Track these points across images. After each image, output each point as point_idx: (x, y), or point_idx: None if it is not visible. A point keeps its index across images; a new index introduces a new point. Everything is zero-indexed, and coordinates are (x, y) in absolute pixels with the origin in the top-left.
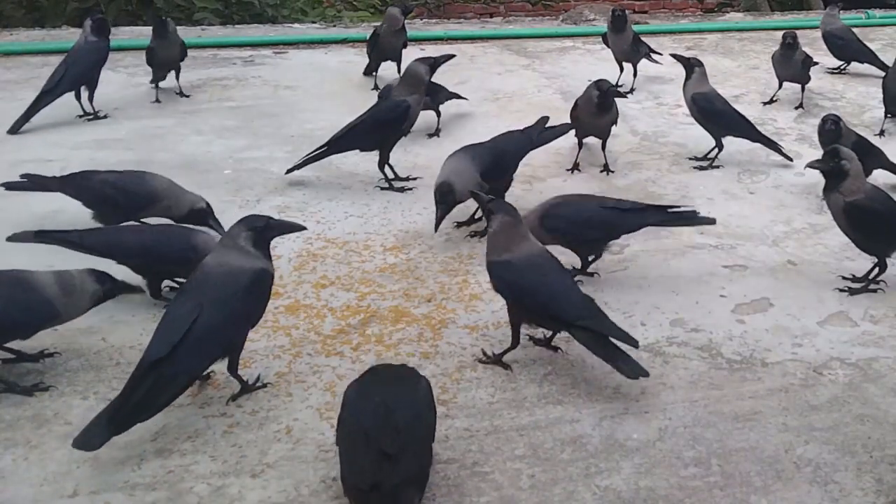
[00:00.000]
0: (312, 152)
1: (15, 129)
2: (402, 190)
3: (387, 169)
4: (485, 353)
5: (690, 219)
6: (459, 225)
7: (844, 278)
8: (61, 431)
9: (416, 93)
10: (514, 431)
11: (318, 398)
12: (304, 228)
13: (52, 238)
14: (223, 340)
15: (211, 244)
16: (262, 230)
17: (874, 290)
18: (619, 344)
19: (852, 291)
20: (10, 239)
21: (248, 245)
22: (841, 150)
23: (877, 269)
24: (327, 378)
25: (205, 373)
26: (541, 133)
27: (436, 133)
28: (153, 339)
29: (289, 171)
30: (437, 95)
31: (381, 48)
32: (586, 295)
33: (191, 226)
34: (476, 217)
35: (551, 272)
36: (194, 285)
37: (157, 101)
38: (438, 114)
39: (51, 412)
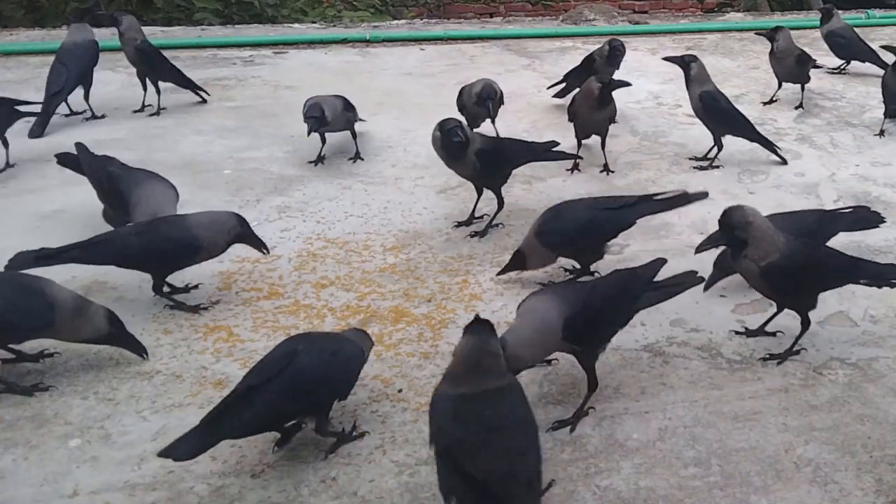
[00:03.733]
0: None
1: (38, 134)
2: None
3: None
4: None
5: (683, 199)
6: (459, 224)
7: (748, 331)
8: (61, 431)
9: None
10: None
11: None
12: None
13: (53, 259)
14: (317, 387)
15: (213, 227)
16: None
17: (797, 352)
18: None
19: (780, 360)
20: (8, 267)
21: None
22: (732, 215)
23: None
24: None
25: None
26: (546, 151)
27: (356, 157)
28: (251, 371)
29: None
30: (351, 115)
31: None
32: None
33: (190, 213)
34: (476, 217)
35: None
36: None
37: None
38: (354, 134)
39: (51, 412)
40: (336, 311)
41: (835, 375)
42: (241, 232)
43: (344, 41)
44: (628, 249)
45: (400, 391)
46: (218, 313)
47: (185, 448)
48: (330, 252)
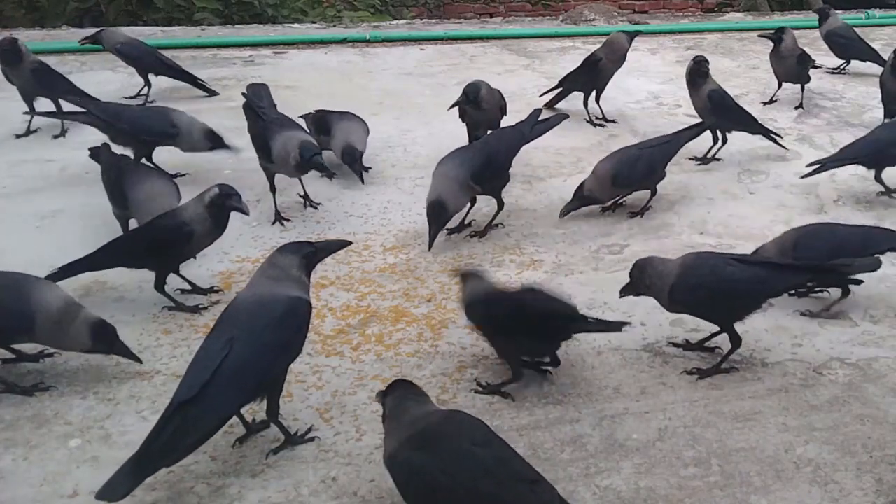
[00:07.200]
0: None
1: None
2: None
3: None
4: (479, 385)
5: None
6: (451, 232)
7: (684, 346)
8: (61, 431)
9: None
10: (514, 431)
11: (318, 398)
12: (350, 243)
13: (70, 272)
14: (256, 377)
15: (198, 205)
16: (310, 256)
17: (727, 371)
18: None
19: (701, 374)
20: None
21: (288, 272)
22: (633, 272)
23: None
24: (327, 378)
25: (251, 421)
26: (533, 126)
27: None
28: (184, 378)
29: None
30: (344, 148)
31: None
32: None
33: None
34: (466, 223)
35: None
36: (227, 318)
37: None
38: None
39: (51, 412)
40: (336, 311)
41: (835, 375)
42: (220, 196)
43: (344, 41)
44: (628, 249)
45: None
46: (218, 313)
47: (119, 488)
48: None
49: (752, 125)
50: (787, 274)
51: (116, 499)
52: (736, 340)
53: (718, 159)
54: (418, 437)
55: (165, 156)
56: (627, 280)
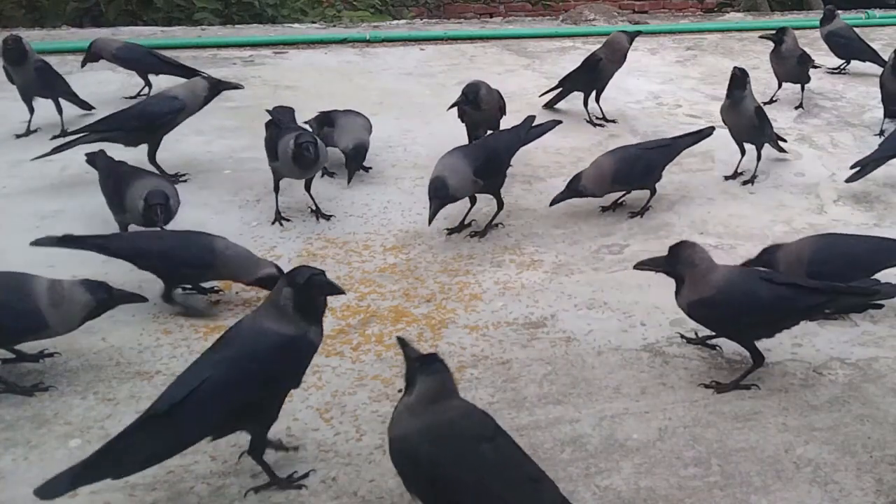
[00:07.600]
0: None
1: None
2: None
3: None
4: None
5: None
6: (451, 232)
7: (689, 339)
8: (61, 431)
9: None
10: (514, 431)
11: (318, 398)
12: (344, 293)
13: (75, 243)
14: (232, 409)
15: (231, 248)
16: (303, 287)
17: (747, 387)
18: None
19: (719, 389)
20: (33, 243)
21: (288, 306)
22: (680, 250)
23: (752, 364)
24: (327, 378)
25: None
26: (529, 130)
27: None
28: (165, 390)
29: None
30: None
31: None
32: None
33: (210, 233)
34: (466, 223)
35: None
36: (222, 344)
37: None
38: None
39: (51, 412)
40: (336, 311)
41: (835, 375)
42: (268, 279)
43: (344, 41)
44: (628, 249)
45: (400, 391)
46: (218, 313)
47: (57, 487)
48: (330, 252)
49: (772, 137)
50: (811, 294)
51: (51, 497)
52: (758, 358)
53: (741, 173)
54: (433, 428)
55: (165, 156)
56: (627, 281)
